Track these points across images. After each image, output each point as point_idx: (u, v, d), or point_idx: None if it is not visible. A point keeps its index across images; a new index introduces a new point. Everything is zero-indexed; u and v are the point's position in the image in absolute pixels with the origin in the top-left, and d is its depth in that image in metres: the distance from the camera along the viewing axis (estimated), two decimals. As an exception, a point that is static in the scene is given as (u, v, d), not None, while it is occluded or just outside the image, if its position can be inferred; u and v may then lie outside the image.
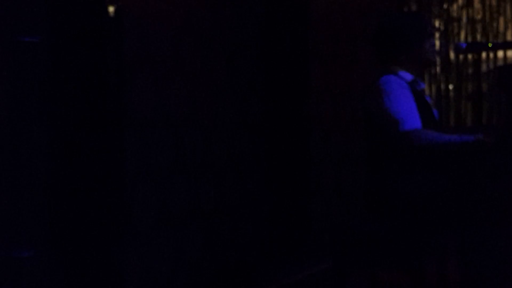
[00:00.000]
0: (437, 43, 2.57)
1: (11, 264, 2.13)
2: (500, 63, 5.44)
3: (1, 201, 2.10)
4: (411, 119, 2.45)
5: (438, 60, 5.56)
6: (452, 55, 5.44)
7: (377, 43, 2.72)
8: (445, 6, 5.52)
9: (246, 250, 3.84)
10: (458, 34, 5.51)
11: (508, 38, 5.41)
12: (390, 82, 2.53)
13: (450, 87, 5.54)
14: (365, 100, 2.62)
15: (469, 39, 5.39)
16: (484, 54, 5.40)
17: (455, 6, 5.54)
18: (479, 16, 5.44)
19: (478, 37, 5.40)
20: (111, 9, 2.47)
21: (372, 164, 2.66)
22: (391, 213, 2.51)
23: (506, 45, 2.90)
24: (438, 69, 5.57)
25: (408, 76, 2.63)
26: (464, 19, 5.46)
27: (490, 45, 2.66)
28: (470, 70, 5.49)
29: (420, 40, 2.62)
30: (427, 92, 5.57)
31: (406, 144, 2.42)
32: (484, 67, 5.40)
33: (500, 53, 5.45)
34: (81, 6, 2.44)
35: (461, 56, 5.25)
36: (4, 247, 2.11)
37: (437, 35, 5.57)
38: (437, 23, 5.55)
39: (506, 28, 5.42)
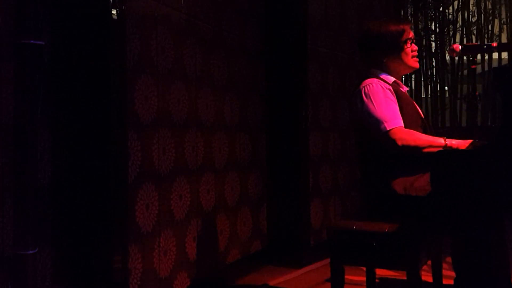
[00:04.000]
0: (416, 47, 2.62)
1: (16, 260, 2.15)
2: (495, 64, 5.48)
3: (6, 202, 2.13)
4: (393, 119, 2.48)
5: (433, 61, 5.61)
6: (447, 56, 5.47)
7: (361, 47, 2.78)
8: (440, 8, 5.56)
9: (246, 248, 3.87)
10: (454, 36, 5.55)
11: (503, 40, 5.43)
12: (372, 85, 2.57)
13: (446, 88, 5.58)
14: (351, 103, 2.67)
15: (465, 41, 5.43)
16: (479, 56, 5.44)
17: (450, 9, 5.58)
18: (474, 19, 5.48)
19: (473, 39, 5.43)
20: (114, 12, 2.48)
21: (363, 164, 2.70)
22: (386, 211, 2.54)
23: (501, 47, 2.95)
24: (434, 70, 5.61)
25: (390, 79, 2.67)
26: (460, 21, 5.50)
27: (484, 47, 2.70)
28: (465, 72, 5.52)
29: (401, 45, 2.66)
30: (423, 93, 5.62)
31: (390, 143, 2.45)
32: (479, 69, 5.44)
33: (495, 55, 5.49)
34: (85, 10, 2.45)
35: (456, 58, 5.28)
36: (10, 244, 2.14)
37: (432, 37, 5.61)
38: (432, 25, 5.60)
39: (501, 30, 5.46)
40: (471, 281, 2.25)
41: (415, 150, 2.44)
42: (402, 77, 2.86)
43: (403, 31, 2.68)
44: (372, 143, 2.56)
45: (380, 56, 2.68)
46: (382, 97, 2.53)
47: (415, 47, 2.72)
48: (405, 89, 2.75)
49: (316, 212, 4.20)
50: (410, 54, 2.69)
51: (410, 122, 2.54)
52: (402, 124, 2.49)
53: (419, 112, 2.73)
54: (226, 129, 3.63)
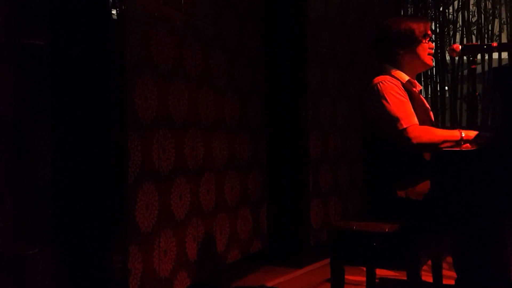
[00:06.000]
0: (433, 45, 2.62)
1: (16, 260, 2.15)
2: (495, 64, 5.48)
3: (6, 202, 2.13)
4: (408, 117, 2.47)
5: (434, 61, 5.61)
6: (447, 56, 5.47)
7: (375, 44, 2.76)
8: (440, 8, 5.56)
9: (246, 248, 3.86)
10: (454, 36, 5.55)
11: (503, 40, 5.43)
12: (384, 82, 2.56)
13: (446, 88, 5.58)
14: (362, 100, 2.65)
15: (465, 41, 5.43)
16: (479, 56, 5.43)
17: (450, 9, 5.58)
18: (474, 19, 5.48)
19: (474, 39, 5.43)
20: (114, 12, 2.48)
21: (369, 164, 2.69)
22: (387, 212, 2.53)
23: (501, 47, 2.95)
24: (434, 70, 5.61)
25: (404, 77, 2.66)
26: (460, 21, 5.50)
27: (485, 46, 2.71)
28: (465, 72, 5.52)
29: (416, 42, 2.65)
30: (423, 93, 5.61)
31: (405, 142, 2.43)
32: (479, 69, 5.44)
33: (495, 55, 5.49)
34: (85, 10, 2.45)
35: (456, 58, 5.28)
36: (10, 244, 2.14)
37: (433, 37, 5.61)
38: (433, 25, 5.59)
39: (501, 30, 5.46)
40: (472, 281, 2.25)
41: (431, 147, 2.41)
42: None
43: (422, 26, 2.67)
44: (379, 142, 2.55)
45: (396, 48, 2.66)
46: (395, 94, 2.51)
47: (432, 45, 2.71)
48: (418, 88, 2.73)
49: (316, 212, 4.20)
50: (427, 51, 2.68)
51: (420, 123, 2.52)
52: (417, 122, 2.47)
53: (430, 115, 2.71)
54: (226, 129, 3.62)
